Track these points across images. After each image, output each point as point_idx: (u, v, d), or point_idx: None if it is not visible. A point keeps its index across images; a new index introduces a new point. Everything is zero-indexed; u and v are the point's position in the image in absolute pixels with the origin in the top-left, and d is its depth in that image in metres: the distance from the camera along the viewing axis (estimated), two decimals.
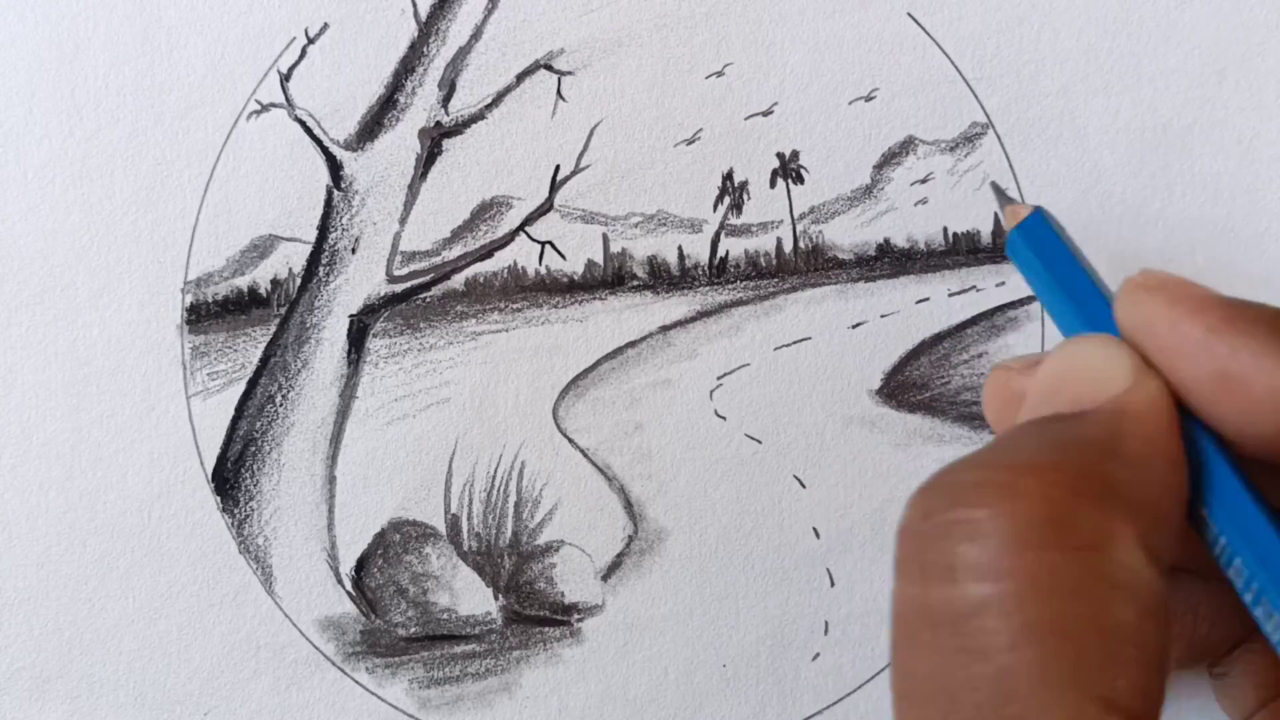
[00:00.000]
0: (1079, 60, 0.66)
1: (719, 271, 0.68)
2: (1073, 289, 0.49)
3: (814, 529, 0.67)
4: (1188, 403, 0.41)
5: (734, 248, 0.68)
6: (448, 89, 0.67)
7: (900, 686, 0.36)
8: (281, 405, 0.67)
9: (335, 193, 0.67)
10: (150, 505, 0.66)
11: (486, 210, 0.67)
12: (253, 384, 0.67)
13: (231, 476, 0.66)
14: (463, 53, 0.67)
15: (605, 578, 0.67)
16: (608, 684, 0.67)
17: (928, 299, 0.67)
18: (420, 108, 0.67)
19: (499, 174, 0.67)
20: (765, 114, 0.66)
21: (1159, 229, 0.67)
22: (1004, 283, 0.67)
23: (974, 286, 0.67)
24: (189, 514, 0.66)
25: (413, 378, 0.67)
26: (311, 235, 0.67)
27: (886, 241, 0.67)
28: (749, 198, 0.67)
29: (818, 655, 0.67)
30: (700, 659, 0.67)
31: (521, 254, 0.67)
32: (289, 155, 0.66)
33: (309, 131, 0.66)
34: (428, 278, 0.67)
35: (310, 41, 0.66)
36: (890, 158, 0.67)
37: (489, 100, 0.67)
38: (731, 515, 0.67)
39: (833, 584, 0.67)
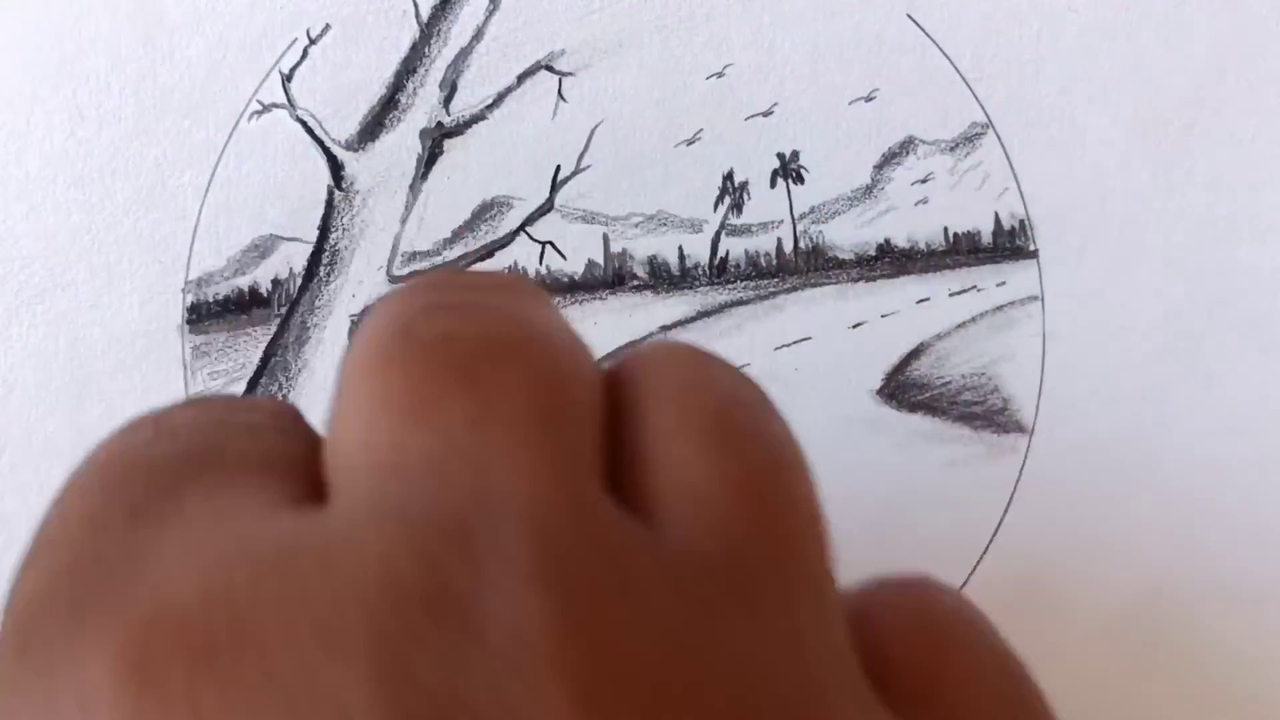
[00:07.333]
0: (1079, 60, 0.66)
1: (719, 271, 0.68)
2: None
3: None
4: None
5: (734, 248, 0.68)
6: (449, 90, 0.67)
7: None
8: None
9: (336, 193, 0.67)
10: None
11: (487, 210, 0.67)
12: (253, 384, 0.67)
13: None
14: (464, 54, 0.67)
15: None
16: None
17: (928, 299, 0.67)
18: (421, 108, 0.67)
19: (500, 174, 0.67)
20: (765, 114, 0.67)
21: (1159, 229, 0.67)
22: (1005, 282, 0.67)
23: (974, 286, 0.67)
24: None
25: None
26: (312, 235, 0.67)
27: (887, 241, 0.67)
28: (749, 198, 0.67)
29: None
30: None
31: (522, 254, 0.67)
32: (290, 155, 0.66)
33: (310, 132, 0.66)
34: None
35: (312, 42, 0.66)
36: (890, 158, 0.67)
37: (490, 101, 0.67)
38: None
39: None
